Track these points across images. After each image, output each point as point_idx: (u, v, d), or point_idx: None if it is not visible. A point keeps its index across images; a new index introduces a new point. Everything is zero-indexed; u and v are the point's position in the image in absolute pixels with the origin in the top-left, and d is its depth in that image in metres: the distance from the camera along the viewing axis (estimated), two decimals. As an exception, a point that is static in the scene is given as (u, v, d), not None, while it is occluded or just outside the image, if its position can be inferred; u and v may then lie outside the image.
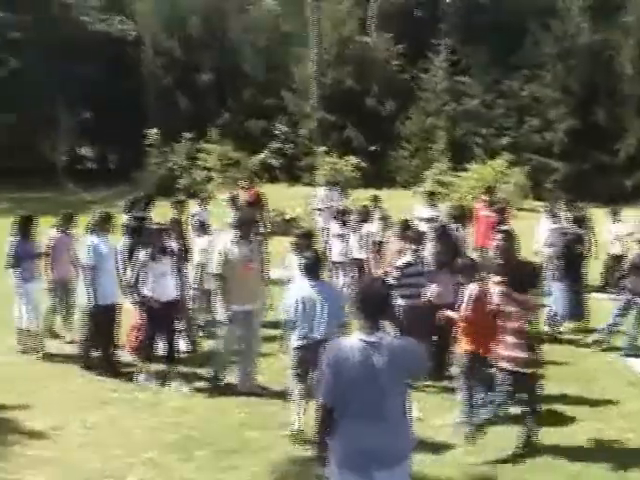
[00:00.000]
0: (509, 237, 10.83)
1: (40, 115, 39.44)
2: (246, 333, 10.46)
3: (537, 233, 15.67)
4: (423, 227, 13.92)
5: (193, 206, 16.58)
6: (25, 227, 12.35)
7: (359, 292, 5.80)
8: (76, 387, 10.88)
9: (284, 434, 9.01)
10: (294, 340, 9.02)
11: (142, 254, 10.96)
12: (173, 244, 11.61)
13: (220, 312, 10.48)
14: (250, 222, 11.34)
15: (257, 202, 17.80)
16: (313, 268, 9.09)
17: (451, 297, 10.20)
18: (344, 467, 5.57)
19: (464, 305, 9.15)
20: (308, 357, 8.53)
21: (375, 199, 16.96)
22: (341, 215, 15.63)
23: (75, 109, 42.01)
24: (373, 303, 5.63)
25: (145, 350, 11.09)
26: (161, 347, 11.10)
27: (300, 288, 9.06)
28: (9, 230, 12.36)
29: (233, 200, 16.27)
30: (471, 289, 9.20)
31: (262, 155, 33.63)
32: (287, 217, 23.73)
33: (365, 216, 15.52)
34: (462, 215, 15.12)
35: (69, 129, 41.52)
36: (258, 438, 9.07)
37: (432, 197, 17.86)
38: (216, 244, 11.46)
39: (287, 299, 9.11)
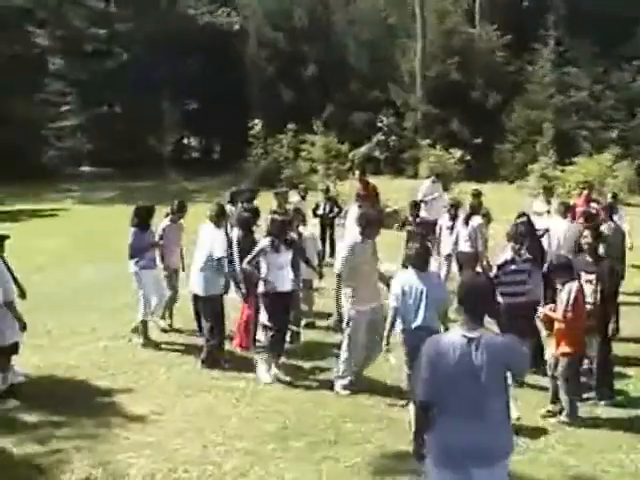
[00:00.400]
0: (597, 235, 10.49)
1: (147, 106, 40.22)
2: (371, 332, 10.20)
3: None
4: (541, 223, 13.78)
5: (293, 196, 16.68)
6: (144, 217, 12.51)
7: (462, 286, 5.71)
8: (178, 374, 11.01)
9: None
10: (399, 327, 9.15)
11: (265, 244, 10.89)
12: (294, 235, 11.68)
13: (345, 311, 10.23)
14: (377, 223, 10.78)
15: (370, 195, 17.59)
16: (419, 258, 9.16)
17: (538, 295, 10.12)
18: (441, 464, 5.51)
19: (564, 305, 8.99)
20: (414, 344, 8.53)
21: (478, 195, 16.58)
22: (452, 208, 15.44)
23: (181, 100, 42.73)
24: (475, 298, 5.54)
25: (275, 345, 10.94)
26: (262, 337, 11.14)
27: (406, 278, 9.17)
28: (127, 220, 12.55)
29: (358, 196, 16.38)
30: (571, 288, 9.03)
31: (365, 147, 33.59)
32: (389, 210, 23.60)
33: (475, 210, 15.25)
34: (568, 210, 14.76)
35: (175, 120, 42.22)
36: (355, 430, 9.03)
37: (547, 192, 17.49)
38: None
39: (394, 287, 9.20)
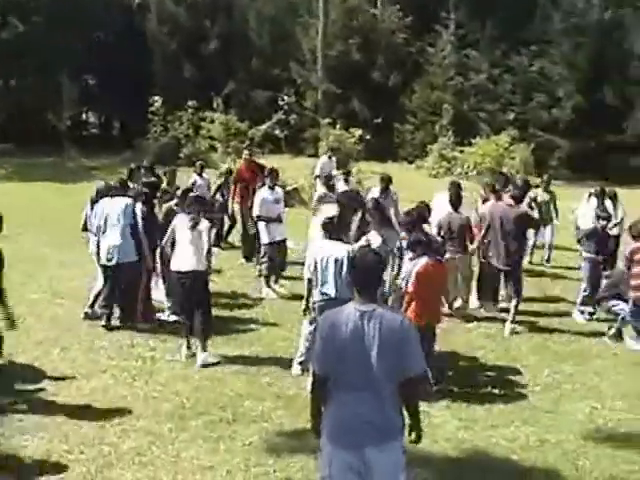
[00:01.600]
0: None
1: (44, 81, 39.28)
2: None
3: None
4: None
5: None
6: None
7: (353, 262, 5.73)
8: (74, 354, 10.84)
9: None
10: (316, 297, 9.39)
11: (182, 221, 10.91)
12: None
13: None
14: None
15: (251, 175, 17.06)
16: (336, 230, 9.44)
17: None
18: (335, 442, 5.47)
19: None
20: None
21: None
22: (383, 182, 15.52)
23: (80, 75, 41.87)
24: (365, 274, 5.55)
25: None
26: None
27: (318, 249, 9.44)
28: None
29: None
30: (417, 263, 9.47)
31: (265, 125, 33.50)
32: (289, 188, 23.63)
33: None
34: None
35: (73, 95, 41.32)
36: (253, 409, 9.05)
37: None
38: None
39: (308, 259, 9.46)
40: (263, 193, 14.40)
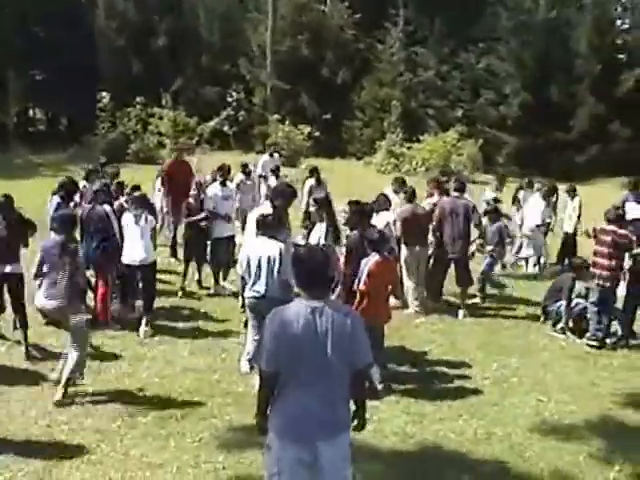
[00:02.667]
0: None
1: (-11, 75, 38.75)
2: None
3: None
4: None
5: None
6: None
7: (297, 260, 5.74)
8: (21, 352, 10.70)
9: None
10: (247, 293, 9.44)
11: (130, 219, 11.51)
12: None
13: None
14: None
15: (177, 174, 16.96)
16: (270, 225, 9.44)
17: None
18: (285, 437, 5.49)
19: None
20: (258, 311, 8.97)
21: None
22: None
23: (26, 70, 41.29)
24: (311, 271, 5.57)
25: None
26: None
27: (252, 246, 9.46)
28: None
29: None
30: (369, 261, 9.52)
31: (214, 122, 33.44)
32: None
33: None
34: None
35: (20, 90, 40.78)
36: (203, 405, 9.04)
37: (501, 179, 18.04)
38: None
39: (241, 255, 9.52)
40: (214, 189, 14.36)
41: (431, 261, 13.67)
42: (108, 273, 11.86)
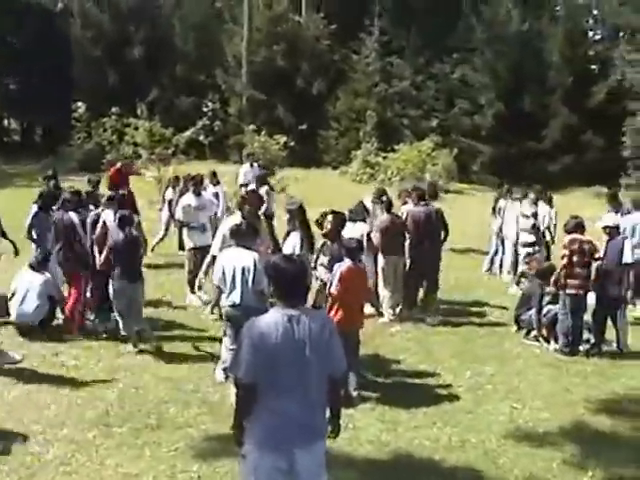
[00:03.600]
0: None
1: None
2: None
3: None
4: None
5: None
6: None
7: (272, 269, 5.77)
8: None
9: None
10: (223, 303, 9.48)
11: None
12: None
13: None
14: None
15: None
16: (244, 235, 9.52)
17: None
18: (265, 447, 5.48)
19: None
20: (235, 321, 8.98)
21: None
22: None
23: (0, 79, 41.16)
24: (286, 280, 5.62)
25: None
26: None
27: (227, 256, 9.51)
28: None
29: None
30: (340, 267, 9.57)
31: (190, 132, 33.34)
32: (214, 195, 23.60)
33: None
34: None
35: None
36: (178, 415, 9.05)
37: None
38: None
39: (217, 265, 9.56)
40: (187, 199, 14.37)
41: (406, 269, 13.76)
42: (78, 282, 11.85)
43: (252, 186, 18.53)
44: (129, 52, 41.20)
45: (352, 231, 11.84)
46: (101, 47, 41.36)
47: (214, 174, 18.55)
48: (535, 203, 16.52)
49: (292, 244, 10.72)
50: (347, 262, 9.55)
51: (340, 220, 10.79)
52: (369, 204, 14.18)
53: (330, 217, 10.74)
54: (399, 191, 15.85)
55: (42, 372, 10.35)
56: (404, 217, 13.76)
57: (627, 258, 12.09)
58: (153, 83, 40.27)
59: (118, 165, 19.46)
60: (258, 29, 41.90)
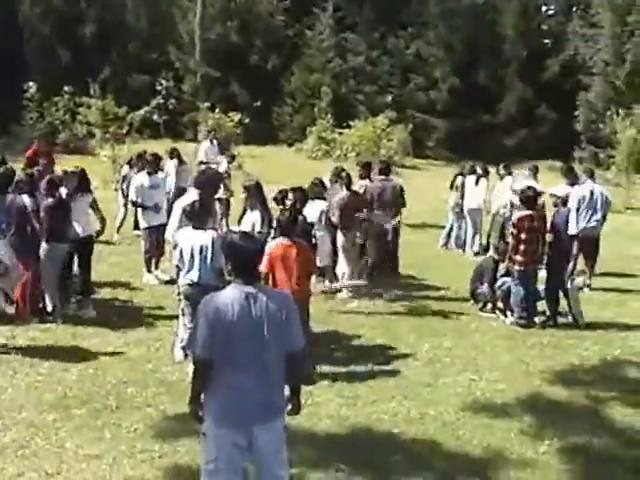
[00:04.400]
0: None
1: None
2: None
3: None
4: None
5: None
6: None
7: (229, 246, 5.78)
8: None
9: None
10: (181, 281, 9.51)
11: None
12: None
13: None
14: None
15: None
16: (195, 216, 9.51)
17: None
18: (223, 423, 5.52)
19: None
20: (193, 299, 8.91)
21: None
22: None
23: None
24: (242, 257, 5.63)
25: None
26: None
27: (184, 235, 9.54)
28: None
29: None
30: None
31: (144, 110, 33.07)
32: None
33: None
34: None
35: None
36: (137, 395, 9.01)
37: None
38: None
39: (176, 244, 9.61)
40: (140, 179, 14.27)
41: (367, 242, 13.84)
42: (28, 265, 11.67)
43: (224, 164, 18.50)
44: (80, 30, 40.68)
45: (311, 208, 11.89)
46: (51, 24, 40.73)
47: (174, 150, 18.40)
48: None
49: (251, 221, 10.72)
50: (278, 240, 9.55)
51: (302, 195, 10.85)
52: (327, 181, 14.18)
53: (291, 194, 10.81)
54: (357, 162, 15.89)
55: (-1, 356, 10.27)
56: (362, 192, 13.83)
57: (572, 229, 12.24)
58: (105, 61, 39.84)
59: (34, 145, 18.96)
60: (212, 5, 41.57)
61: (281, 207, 11.00)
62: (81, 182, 12.28)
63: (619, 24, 34.24)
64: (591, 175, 15.41)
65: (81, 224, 11.97)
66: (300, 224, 10.47)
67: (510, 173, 17.23)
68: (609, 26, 34.70)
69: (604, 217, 14.90)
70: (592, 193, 14.79)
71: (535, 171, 16.77)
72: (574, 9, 41.46)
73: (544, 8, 43.33)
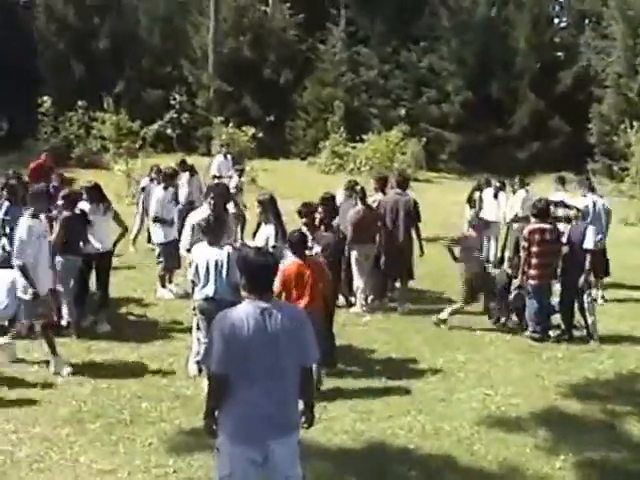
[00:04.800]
0: None
1: None
2: None
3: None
4: None
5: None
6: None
7: (244, 262, 5.79)
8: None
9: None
10: (197, 296, 9.51)
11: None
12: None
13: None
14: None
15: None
16: (211, 232, 9.49)
17: None
18: (238, 439, 5.50)
19: None
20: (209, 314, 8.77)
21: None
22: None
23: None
24: (263, 273, 5.65)
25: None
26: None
27: (200, 250, 9.53)
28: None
29: None
30: None
31: (157, 125, 33.18)
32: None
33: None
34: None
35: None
36: (151, 410, 9.02)
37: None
38: None
39: (191, 259, 9.64)
40: (161, 193, 14.29)
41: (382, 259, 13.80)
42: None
43: (235, 178, 18.54)
44: (94, 45, 40.85)
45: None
46: (66, 40, 40.93)
47: (184, 162, 18.43)
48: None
49: (265, 235, 10.72)
50: (290, 258, 9.55)
51: (332, 206, 10.99)
52: (339, 195, 14.14)
53: (320, 207, 10.92)
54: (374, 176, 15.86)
55: (13, 370, 10.27)
56: (376, 206, 13.81)
57: (588, 244, 12.17)
58: (119, 76, 39.99)
59: (41, 158, 19.09)
60: (224, 20, 41.71)
61: (304, 220, 10.90)
62: (101, 196, 12.37)
63: (631, 36, 34.15)
64: (591, 188, 15.38)
65: (100, 239, 12.01)
66: (332, 237, 10.63)
67: (524, 186, 17.17)
68: (621, 38, 34.62)
69: (606, 228, 14.90)
70: (595, 206, 14.75)
71: (563, 182, 16.57)
72: (586, 21, 41.42)
73: (556, 20, 43.39)
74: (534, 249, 11.95)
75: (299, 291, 9.34)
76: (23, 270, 9.88)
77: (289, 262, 9.48)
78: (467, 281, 12.66)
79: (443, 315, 12.63)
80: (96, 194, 12.27)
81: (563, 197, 14.87)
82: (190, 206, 15.45)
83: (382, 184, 14.52)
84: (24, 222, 10.18)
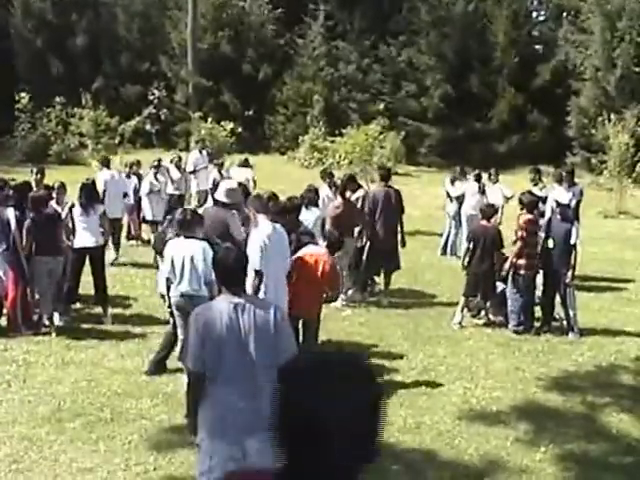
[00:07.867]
0: None
1: None
2: None
3: None
4: None
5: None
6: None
7: (216, 260, 5.81)
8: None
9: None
10: (173, 293, 9.39)
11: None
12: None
13: None
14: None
15: None
16: (185, 226, 9.38)
17: None
18: (215, 435, 5.51)
19: None
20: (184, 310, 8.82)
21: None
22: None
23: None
24: (235, 270, 5.64)
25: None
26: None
27: (174, 245, 9.44)
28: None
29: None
30: None
31: (136, 120, 33.05)
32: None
33: None
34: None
35: None
36: (131, 407, 8.98)
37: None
38: None
39: (165, 255, 9.51)
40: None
41: (365, 252, 13.77)
42: (16, 280, 11.61)
43: (214, 172, 18.72)
44: (72, 41, 40.69)
45: (306, 216, 11.89)
46: (43, 36, 40.71)
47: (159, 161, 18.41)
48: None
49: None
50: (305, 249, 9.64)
51: (296, 207, 10.94)
52: (324, 191, 14.15)
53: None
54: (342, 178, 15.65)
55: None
56: (363, 200, 13.80)
57: (574, 239, 12.19)
58: (97, 72, 39.89)
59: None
60: (203, 15, 41.58)
61: (289, 217, 10.82)
62: (92, 193, 12.64)
63: (609, 30, 34.24)
64: (559, 182, 15.43)
65: (93, 234, 12.22)
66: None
67: (497, 180, 17.23)
68: (599, 32, 34.69)
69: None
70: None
71: (560, 177, 16.09)
72: (564, 15, 41.51)
73: (534, 14, 43.48)
74: (527, 239, 11.99)
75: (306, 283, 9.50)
76: None
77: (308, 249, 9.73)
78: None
79: (457, 319, 12.54)
80: (92, 191, 12.69)
81: (560, 191, 14.89)
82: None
83: (356, 183, 14.49)
84: None
